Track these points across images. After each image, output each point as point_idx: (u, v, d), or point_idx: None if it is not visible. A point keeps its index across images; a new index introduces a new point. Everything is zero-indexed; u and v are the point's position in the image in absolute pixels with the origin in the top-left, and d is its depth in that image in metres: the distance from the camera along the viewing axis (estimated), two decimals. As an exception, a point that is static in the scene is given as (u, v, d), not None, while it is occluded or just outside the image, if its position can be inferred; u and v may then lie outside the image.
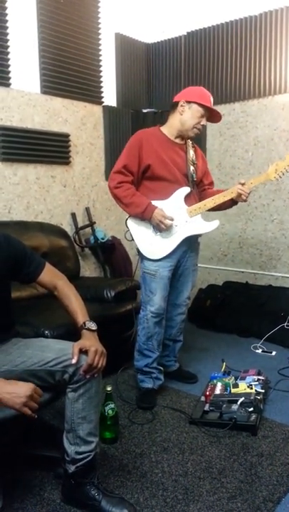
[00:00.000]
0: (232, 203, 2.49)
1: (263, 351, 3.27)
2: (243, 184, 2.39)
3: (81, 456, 1.63)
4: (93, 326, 1.68)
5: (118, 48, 4.03)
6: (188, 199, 2.47)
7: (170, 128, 2.47)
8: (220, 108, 3.88)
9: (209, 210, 2.48)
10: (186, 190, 2.44)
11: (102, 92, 3.87)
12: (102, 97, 3.88)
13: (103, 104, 3.90)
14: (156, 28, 4.22)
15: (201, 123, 2.41)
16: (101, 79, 3.84)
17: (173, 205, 2.42)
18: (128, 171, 2.40)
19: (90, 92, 3.74)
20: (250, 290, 3.80)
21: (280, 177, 2.43)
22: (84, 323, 1.66)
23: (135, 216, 2.44)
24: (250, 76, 3.67)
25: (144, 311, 2.54)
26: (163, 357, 2.72)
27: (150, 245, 2.46)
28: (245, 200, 2.43)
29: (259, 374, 2.57)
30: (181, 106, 2.39)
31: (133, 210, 2.41)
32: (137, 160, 2.40)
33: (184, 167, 2.46)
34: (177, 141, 2.48)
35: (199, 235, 2.61)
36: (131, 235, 2.49)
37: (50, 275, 1.78)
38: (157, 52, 4.24)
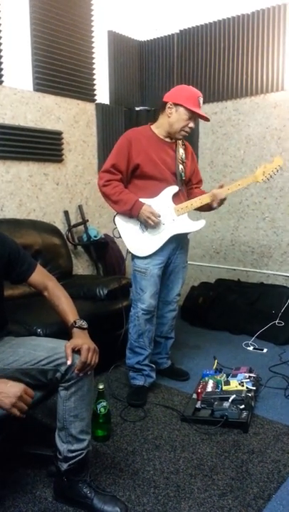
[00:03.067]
0: (209, 207, 2.52)
1: (254, 348, 3.30)
2: (221, 187, 2.45)
3: (73, 454, 1.63)
4: (84, 324, 1.68)
5: (111, 46, 4.02)
6: (177, 198, 2.48)
7: (159, 128, 2.47)
8: (212, 106, 3.90)
9: (195, 209, 2.51)
10: (174, 188, 2.46)
11: (95, 89, 3.86)
12: (95, 95, 3.88)
13: (96, 101, 3.90)
14: (148, 25, 4.22)
15: (189, 125, 2.40)
16: (94, 76, 3.83)
17: (161, 204, 2.43)
18: (116, 169, 2.41)
19: (82, 90, 3.74)
20: (242, 288, 3.81)
21: (268, 179, 2.46)
22: (74, 321, 1.67)
23: (123, 213, 2.45)
24: (243, 74, 3.68)
25: (134, 309, 2.55)
26: (155, 354, 2.73)
27: (137, 243, 2.47)
28: (219, 204, 2.46)
29: (250, 371, 2.59)
30: (169, 108, 2.37)
31: (121, 208, 2.42)
32: (126, 159, 2.41)
33: (173, 166, 2.47)
34: (167, 140, 2.49)
35: (188, 232, 2.62)
36: (118, 232, 2.51)
37: (41, 276, 1.78)
38: (150, 50, 4.23)
